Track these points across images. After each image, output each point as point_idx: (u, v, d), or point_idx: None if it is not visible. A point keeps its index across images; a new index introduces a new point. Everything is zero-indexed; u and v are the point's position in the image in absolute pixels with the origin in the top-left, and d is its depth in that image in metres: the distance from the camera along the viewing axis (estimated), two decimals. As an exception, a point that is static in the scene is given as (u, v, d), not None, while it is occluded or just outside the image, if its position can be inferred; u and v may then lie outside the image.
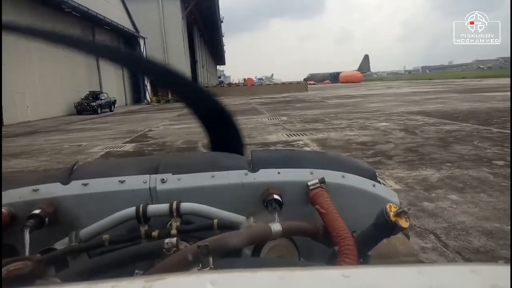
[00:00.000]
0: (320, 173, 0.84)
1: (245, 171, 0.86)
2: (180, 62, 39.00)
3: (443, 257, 2.72)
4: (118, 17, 28.99)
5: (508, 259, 2.54)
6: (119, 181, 0.82)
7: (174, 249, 0.60)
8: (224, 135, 1.13)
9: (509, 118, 8.13)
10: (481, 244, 2.86)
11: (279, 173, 0.85)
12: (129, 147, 8.77)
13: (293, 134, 9.15)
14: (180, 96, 1.17)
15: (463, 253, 2.74)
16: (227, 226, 0.72)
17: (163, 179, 0.83)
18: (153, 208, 0.74)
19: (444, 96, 20.57)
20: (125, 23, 30.66)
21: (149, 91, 35.51)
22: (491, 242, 2.86)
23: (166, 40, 37.68)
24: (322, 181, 0.81)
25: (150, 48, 35.66)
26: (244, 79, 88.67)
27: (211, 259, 0.51)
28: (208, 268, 0.51)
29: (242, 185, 0.84)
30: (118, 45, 29.81)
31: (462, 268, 0.39)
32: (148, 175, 0.84)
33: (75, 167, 0.92)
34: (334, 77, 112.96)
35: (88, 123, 16.57)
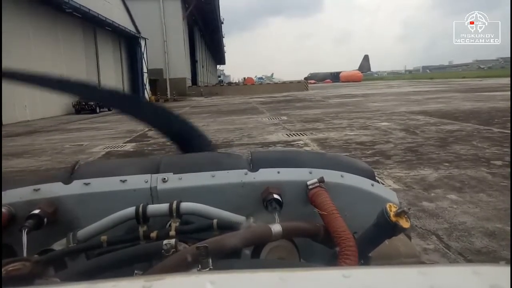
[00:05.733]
0: (319, 172, 0.84)
1: (245, 170, 0.86)
2: (180, 62, 39.09)
3: (445, 258, 2.72)
4: (119, 17, 28.94)
5: (509, 259, 2.54)
6: (121, 180, 0.82)
7: (172, 250, 0.60)
8: (189, 138, 1.20)
9: (510, 118, 8.12)
10: (483, 245, 2.86)
11: (278, 172, 0.86)
12: (129, 146, 8.78)
13: (293, 134, 9.15)
14: (143, 121, 1.26)
15: (465, 254, 2.74)
16: (227, 227, 0.72)
17: (164, 179, 0.83)
18: (152, 208, 0.74)
19: (445, 95, 20.56)
20: (126, 23, 30.64)
21: (148, 90, 35.51)
22: (493, 243, 2.86)
23: (167, 41, 37.76)
24: (321, 180, 0.81)
25: (151, 49, 35.66)
26: (244, 78, 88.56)
27: (210, 261, 0.51)
28: (207, 269, 0.50)
29: (242, 184, 0.84)
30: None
31: (463, 269, 0.39)
32: (149, 175, 0.84)
33: (77, 166, 0.92)
34: (335, 77, 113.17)
35: (87, 123, 16.57)
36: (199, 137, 1.20)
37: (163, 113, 1.21)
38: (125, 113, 1.27)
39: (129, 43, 33.95)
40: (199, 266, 0.51)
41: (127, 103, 1.29)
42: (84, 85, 1.33)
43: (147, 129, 12.08)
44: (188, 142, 1.18)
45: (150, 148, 8.43)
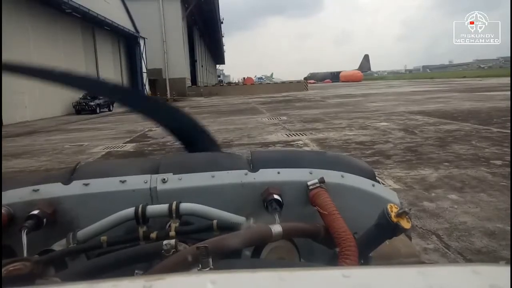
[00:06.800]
0: (319, 173, 0.84)
1: (245, 171, 0.85)
2: (179, 62, 39.11)
3: (445, 258, 2.72)
4: (118, 17, 28.96)
5: (508, 259, 2.54)
6: (120, 181, 0.82)
7: (173, 250, 0.60)
8: (196, 137, 1.18)
9: (509, 118, 8.12)
10: (483, 244, 2.86)
11: (279, 173, 0.85)
12: (129, 147, 8.77)
13: (293, 134, 9.15)
14: (146, 114, 1.24)
15: (465, 254, 2.74)
16: (227, 227, 0.72)
17: (164, 179, 0.83)
18: (152, 208, 0.74)
19: (445, 95, 20.57)
20: (125, 23, 30.65)
21: (147, 90, 35.53)
22: (493, 243, 2.86)
23: (166, 40, 37.76)
24: (321, 181, 0.81)
25: (150, 48, 35.66)
26: (244, 78, 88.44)
27: (210, 260, 0.51)
28: (208, 269, 0.50)
29: (242, 185, 0.84)
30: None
31: (462, 269, 0.39)
32: (149, 175, 0.84)
33: (77, 167, 0.91)
34: (335, 76, 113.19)
35: (88, 123, 16.57)
36: (205, 137, 1.19)
37: (170, 110, 1.19)
38: (130, 108, 1.25)
39: (128, 43, 33.97)
40: (200, 266, 0.51)
41: (132, 98, 1.27)
42: (87, 79, 1.29)
43: (147, 129, 12.08)
44: (195, 141, 1.16)
45: (150, 149, 8.43)
